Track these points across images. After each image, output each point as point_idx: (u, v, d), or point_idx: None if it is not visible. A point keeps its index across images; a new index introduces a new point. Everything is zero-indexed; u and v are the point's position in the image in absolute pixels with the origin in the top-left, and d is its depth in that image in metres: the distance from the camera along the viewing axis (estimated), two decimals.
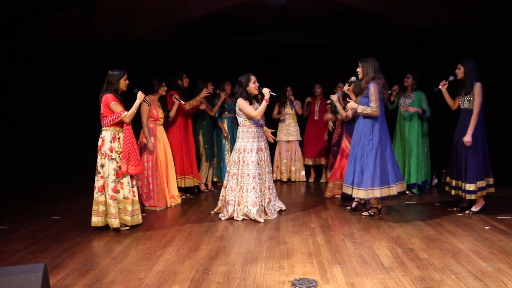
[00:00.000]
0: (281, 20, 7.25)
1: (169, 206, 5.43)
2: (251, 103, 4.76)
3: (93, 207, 4.32)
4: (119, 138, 4.32)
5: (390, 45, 7.57)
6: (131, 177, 4.38)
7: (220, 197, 4.97)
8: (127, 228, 4.39)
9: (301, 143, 7.21)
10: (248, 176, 4.71)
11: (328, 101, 5.61)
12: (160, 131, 5.46)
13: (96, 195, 4.30)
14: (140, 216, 4.46)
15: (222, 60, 8.73)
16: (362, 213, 4.90)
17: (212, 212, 5.03)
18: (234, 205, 4.77)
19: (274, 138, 5.10)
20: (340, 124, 6.10)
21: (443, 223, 4.55)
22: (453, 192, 4.98)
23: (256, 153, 4.75)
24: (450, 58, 6.03)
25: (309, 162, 7.11)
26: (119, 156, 4.29)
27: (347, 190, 4.74)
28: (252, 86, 4.72)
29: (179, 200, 5.58)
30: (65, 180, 7.30)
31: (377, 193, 4.54)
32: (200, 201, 5.86)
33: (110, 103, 4.24)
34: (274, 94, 4.74)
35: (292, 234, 4.21)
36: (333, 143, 6.32)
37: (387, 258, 3.50)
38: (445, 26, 6.90)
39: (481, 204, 4.90)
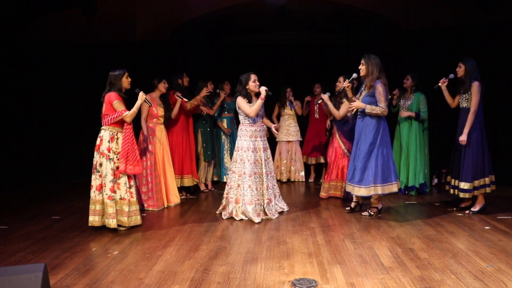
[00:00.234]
0: (281, 20, 7.25)
1: (166, 206, 5.42)
2: (250, 102, 4.78)
3: (90, 206, 4.30)
4: (117, 139, 4.31)
5: (390, 45, 7.57)
6: (129, 177, 4.34)
7: (224, 195, 4.97)
8: (124, 228, 4.37)
9: (301, 143, 7.21)
10: (245, 174, 4.74)
11: (319, 101, 5.63)
12: (160, 130, 5.45)
13: (94, 194, 4.28)
14: (138, 217, 4.43)
15: (222, 60, 8.73)
16: (362, 213, 4.90)
17: (217, 212, 5.02)
18: (233, 203, 4.80)
19: (276, 133, 5.10)
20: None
21: (443, 223, 4.56)
22: (451, 191, 4.99)
23: (252, 152, 4.76)
24: (450, 58, 6.03)
25: (313, 161, 7.12)
26: (116, 157, 4.28)
27: (349, 188, 4.74)
28: (252, 85, 4.75)
29: (178, 200, 5.58)
30: (65, 180, 7.30)
31: (379, 190, 4.56)
32: (200, 201, 5.86)
33: (113, 101, 4.24)
34: (270, 93, 4.75)
35: (292, 234, 4.21)
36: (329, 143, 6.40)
37: (387, 258, 3.50)
38: (445, 26, 6.90)
39: (481, 204, 4.90)
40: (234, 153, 4.88)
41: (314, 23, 8.56)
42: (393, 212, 5.09)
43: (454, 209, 5.08)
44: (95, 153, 4.30)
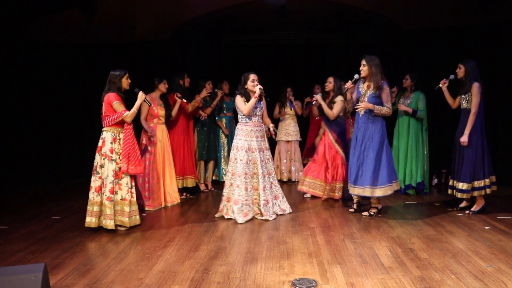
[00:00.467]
0: (281, 20, 7.25)
1: (163, 206, 5.41)
2: (248, 101, 4.78)
3: (88, 207, 4.28)
4: (119, 139, 4.31)
5: (390, 45, 7.57)
6: (131, 177, 4.36)
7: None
8: (124, 228, 4.37)
9: (301, 143, 7.21)
10: (235, 173, 4.75)
11: (313, 101, 5.59)
12: (161, 130, 5.45)
13: (92, 195, 4.27)
14: (138, 217, 4.44)
15: (222, 60, 8.73)
16: (362, 213, 4.90)
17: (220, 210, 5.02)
18: (225, 201, 4.83)
19: (274, 134, 5.09)
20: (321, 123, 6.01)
21: (443, 223, 4.56)
22: (449, 191, 5.00)
23: (246, 152, 4.75)
24: (450, 58, 6.04)
25: None
26: (119, 157, 4.29)
27: (359, 191, 4.71)
28: (250, 84, 4.77)
29: (177, 200, 5.57)
30: (65, 180, 7.30)
31: (395, 186, 4.70)
32: (200, 201, 5.86)
33: (112, 102, 4.24)
34: (263, 92, 4.76)
35: (292, 234, 4.21)
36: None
37: (387, 258, 3.50)
38: (445, 26, 6.90)
39: (481, 204, 4.90)
40: (231, 152, 4.90)
41: (314, 23, 8.57)
42: (393, 212, 5.09)
43: (454, 209, 5.08)
44: (96, 154, 4.30)
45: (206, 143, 6.31)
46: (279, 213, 4.96)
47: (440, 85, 5.03)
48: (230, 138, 6.68)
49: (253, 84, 4.76)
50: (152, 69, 6.68)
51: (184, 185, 5.91)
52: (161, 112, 5.41)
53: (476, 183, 4.76)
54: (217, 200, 5.58)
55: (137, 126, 4.80)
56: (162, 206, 5.41)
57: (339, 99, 5.58)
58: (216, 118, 6.58)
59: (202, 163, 6.37)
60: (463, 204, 5.05)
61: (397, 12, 7.11)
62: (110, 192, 4.24)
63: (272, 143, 7.24)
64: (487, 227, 4.36)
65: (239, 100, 4.79)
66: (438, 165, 6.73)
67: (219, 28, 8.47)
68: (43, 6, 6.52)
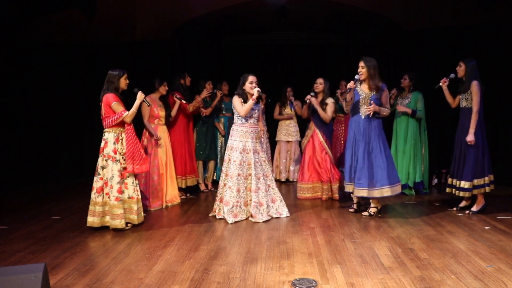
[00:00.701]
0: (281, 20, 7.25)
1: (164, 207, 5.42)
2: (245, 102, 4.77)
3: (90, 207, 4.31)
4: (122, 139, 4.32)
5: (390, 45, 7.57)
6: (135, 176, 4.40)
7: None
8: (128, 227, 4.40)
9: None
10: (228, 174, 4.74)
11: (306, 100, 5.53)
12: (162, 131, 5.45)
13: (94, 195, 4.30)
14: (142, 214, 4.51)
15: (222, 60, 8.73)
16: (362, 213, 4.90)
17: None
18: (218, 201, 4.82)
19: (265, 134, 5.10)
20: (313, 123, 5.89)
21: (443, 223, 4.56)
22: (448, 189, 5.01)
23: (240, 153, 4.73)
24: (450, 58, 6.03)
25: None
26: (122, 158, 4.30)
27: (363, 193, 4.72)
28: (248, 86, 4.75)
29: (178, 200, 5.58)
30: (65, 180, 7.30)
31: (397, 189, 4.74)
32: (200, 201, 5.86)
33: (111, 103, 4.24)
34: (262, 94, 4.77)
35: (292, 234, 4.21)
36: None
37: (387, 258, 3.50)
38: (445, 26, 6.90)
39: (481, 204, 4.90)
40: (225, 152, 4.88)
41: (314, 23, 8.56)
42: (393, 212, 5.09)
43: (454, 209, 5.08)
44: (100, 155, 4.31)
45: (205, 144, 6.31)
46: (275, 216, 4.85)
47: (441, 83, 5.03)
48: (227, 138, 6.68)
49: (251, 86, 4.74)
50: (152, 69, 6.69)
51: (187, 185, 5.93)
52: (162, 113, 5.41)
53: (476, 181, 4.77)
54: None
55: (138, 126, 4.79)
56: (164, 206, 5.42)
57: (330, 101, 5.62)
58: (215, 119, 6.58)
59: (201, 163, 6.37)
60: (463, 204, 5.06)
61: (397, 12, 7.11)
62: (118, 192, 4.26)
63: (273, 143, 7.27)
64: (487, 227, 4.36)
65: (236, 100, 4.77)
66: (438, 165, 6.72)
67: (219, 28, 8.47)
68: (43, 6, 6.52)
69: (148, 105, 4.86)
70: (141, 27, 7.36)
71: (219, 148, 6.67)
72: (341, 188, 5.51)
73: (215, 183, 6.74)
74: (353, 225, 4.53)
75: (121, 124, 4.31)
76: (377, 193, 4.67)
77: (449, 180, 5.03)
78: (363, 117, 4.74)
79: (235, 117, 4.88)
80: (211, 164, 6.50)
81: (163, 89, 5.42)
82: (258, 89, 4.71)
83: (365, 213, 4.88)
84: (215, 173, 6.68)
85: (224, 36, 8.96)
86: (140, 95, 4.39)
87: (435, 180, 6.69)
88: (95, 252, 3.75)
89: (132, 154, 4.27)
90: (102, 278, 3.16)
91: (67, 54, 7.28)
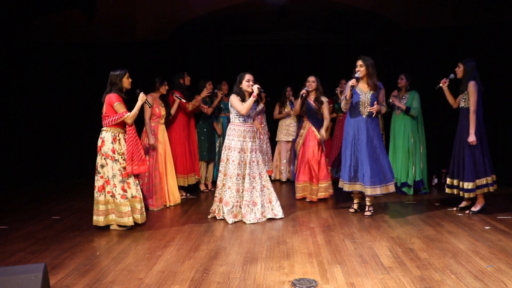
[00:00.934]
0: (281, 20, 7.25)
1: (168, 206, 5.43)
2: (243, 100, 4.74)
3: (94, 206, 4.35)
4: (119, 139, 4.32)
5: (390, 45, 7.57)
6: (135, 176, 4.41)
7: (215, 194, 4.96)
8: (128, 227, 4.41)
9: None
10: (227, 174, 4.72)
11: (303, 94, 5.45)
12: (162, 130, 5.46)
13: (96, 194, 4.32)
14: (145, 214, 4.52)
15: (222, 60, 8.72)
16: (365, 213, 4.90)
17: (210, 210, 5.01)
18: (217, 202, 4.80)
19: (263, 132, 5.07)
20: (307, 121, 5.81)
21: (443, 223, 4.56)
22: (448, 190, 5.01)
23: (238, 152, 4.70)
24: (450, 58, 6.03)
25: None
26: (121, 157, 4.30)
27: (360, 188, 4.76)
28: (245, 84, 4.72)
29: (178, 200, 5.58)
30: (65, 180, 7.30)
31: (391, 188, 4.83)
32: (200, 201, 5.86)
33: (113, 103, 4.24)
34: (262, 90, 4.76)
35: (292, 234, 4.21)
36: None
37: (387, 258, 3.50)
38: (445, 26, 6.90)
39: (481, 204, 4.90)
40: (222, 152, 4.83)
41: (314, 23, 8.56)
42: (393, 212, 5.09)
43: (454, 209, 5.08)
44: (98, 154, 4.32)
45: (207, 144, 6.32)
46: (269, 216, 4.79)
47: (441, 84, 5.04)
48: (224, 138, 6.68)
49: (248, 84, 4.71)
50: (152, 69, 6.68)
51: (188, 183, 5.94)
52: (163, 112, 5.43)
53: (478, 182, 4.77)
54: None
55: (139, 126, 4.79)
56: (167, 206, 5.43)
57: (324, 99, 5.60)
58: (214, 120, 6.57)
59: (204, 163, 6.37)
60: (463, 204, 5.06)
61: (397, 12, 7.11)
62: (122, 190, 4.28)
63: (273, 143, 7.27)
64: (487, 227, 4.36)
65: (234, 99, 4.70)
66: (438, 165, 6.72)
67: (219, 28, 8.47)
68: (43, 6, 6.52)
69: (150, 107, 4.87)
70: (141, 27, 7.36)
71: (217, 149, 6.67)
72: (333, 185, 5.61)
73: (215, 183, 6.75)
74: (353, 225, 4.53)
75: (120, 124, 4.31)
76: (386, 189, 4.79)
77: (449, 180, 5.03)
78: (364, 116, 4.76)
79: (232, 116, 4.81)
80: (211, 164, 6.50)
81: (163, 89, 5.43)
82: (258, 86, 4.67)
83: (368, 212, 4.90)
84: (213, 174, 6.68)
85: (224, 36, 8.96)
86: (141, 97, 4.39)
87: (435, 180, 6.69)
88: (95, 252, 3.75)
89: (132, 155, 4.27)
90: (102, 278, 3.16)
91: (67, 54, 7.28)
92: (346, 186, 4.89)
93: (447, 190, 5.05)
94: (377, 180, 4.72)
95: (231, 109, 4.80)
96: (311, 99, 5.57)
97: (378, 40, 7.94)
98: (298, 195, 5.74)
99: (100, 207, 4.30)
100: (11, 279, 2.23)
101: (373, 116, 4.77)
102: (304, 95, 5.49)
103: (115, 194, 4.28)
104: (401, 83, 5.97)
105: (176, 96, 5.61)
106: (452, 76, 4.97)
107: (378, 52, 7.70)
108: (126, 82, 4.37)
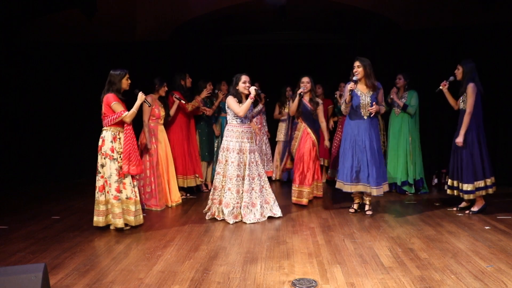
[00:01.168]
0: (281, 20, 7.25)
1: (170, 206, 5.44)
2: (240, 102, 4.73)
3: (95, 206, 4.34)
4: (119, 138, 4.32)
5: (390, 45, 7.57)
6: (132, 177, 4.39)
7: (210, 196, 4.92)
8: (127, 228, 4.40)
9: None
10: (227, 176, 4.69)
11: (301, 92, 5.33)
12: (161, 131, 5.46)
13: (97, 194, 4.32)
14: (141, 216, 4.47)
15: (222, 60, 8.73)
16: (366, 213, 4.90)
17: (204, 211, 5.00)
18: (217, 204, 4.76)
19: (259, 133, 5.06)
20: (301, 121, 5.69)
21: (443, 223, 4.56)
22: (448, 191, 5.01)
23: (237, 154, 4.68)
24: (450, 58, 6.04)
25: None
26: (120, 156, 4.30)
27: (380, 191, 4.76)
28: (241, 86, 4.71)
29: (179, 200, 5.59)
30: (65, 180, 7.30)
31: (385, 187, 4.91)
32: (200, 201, 5.85)
33: (111, 103, 4.24)
34: (260, 91, 4.76)
35: (292, 234, 4.21)
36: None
37: (387, 258, 3.51)
38: (445, 26, 6.90)
39: (481, 204, 4.90)
40: (220, 153, 4.80)
41: (314, 23, 8.57)
42: (393, 212, 5.09)
43: (454, 209, 5.08)
44: (98, 153, 4.32)
45: (208, 145, 6.32)
46: (269, 215, 4.81)
47: (441, 87, 5.05)
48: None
49: (244, 85, 4.69)
50: (152, 69, 6.68)
51: (188, 185, 5.92)
52: (162, 112, 5.43)
53: (477, 184, 4.77)
54: None
55: (137, 126, 4.80)
56: (169, 206, 5.43)
57: (320, 101, 5.58)
58: (213, 121, 6.57)
59: (205, 164, 6.37)
60: (463, 204, 5.06)
61: (397, 12, 7.11)
62: (116, 191, 4.27)
63: (273, 143, 7.27)
64: (487, 227, 4.36)
65: (232, 101, 4.67)
66: (438, 165, 6.72)
67: (219, 28, 8.47)
68: (43, 6, 6.52)
69: (149, 106, 4.86)
70: (141, 27, 7.36)
71: (215, 149, 6.68)
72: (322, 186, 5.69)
73: None
74: (353, 225, 4.53)
75: (120, 123, 4.31)
76: (386, 188, 4.86)
77: (449, 181, 5.02)
78: (365, 117, 4.77)
79: (229, 117, 4.79)
80: (211, 164, 6.50)
81: (162, 91, 5.43)
82: (255, 87, 4.65)
83: (369, 212, 4.92)
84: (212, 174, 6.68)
85: (224, 36, 8.97)
86: (140, 96, 4.40)
87: (435, 180, 6.69)
88: (95, 252, 3.76)
89: (129, 155, 4.27)
90: (102, 278, 3.16)
91: (67, 54, 7.28)
92: (346, 187, 4.85)
93: (448, 191, 5.05)
94: (381, 180, 4.78)
95: (228, 111, 4.77)
96: (306, 100, 5.51)
97: (378, 40, 7.94)
98: (294, 199, 5.51)
99: (100, 207, 4.30)
100: (11, 279, 2.23)
101: (372, 116, 4.78)
102: (302, 93, 5.45)
103: (110, 193, 4.27)
104: (399, 83, 5.99)
105: (175, 97, 5.61)
106: (451, 78, 4.98)
107: (378, 52, 7.71)
108: (125, 83, 4.37)
